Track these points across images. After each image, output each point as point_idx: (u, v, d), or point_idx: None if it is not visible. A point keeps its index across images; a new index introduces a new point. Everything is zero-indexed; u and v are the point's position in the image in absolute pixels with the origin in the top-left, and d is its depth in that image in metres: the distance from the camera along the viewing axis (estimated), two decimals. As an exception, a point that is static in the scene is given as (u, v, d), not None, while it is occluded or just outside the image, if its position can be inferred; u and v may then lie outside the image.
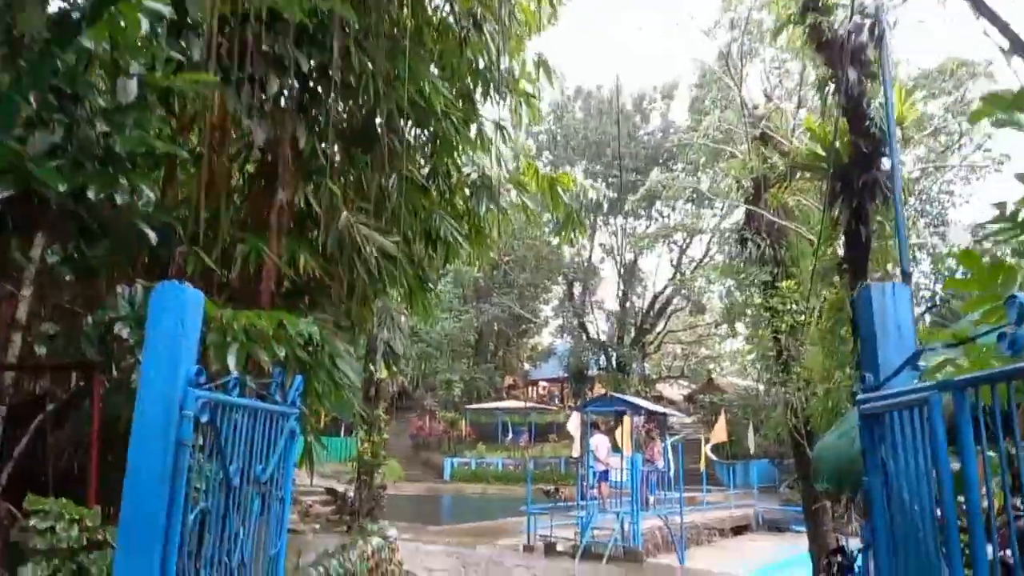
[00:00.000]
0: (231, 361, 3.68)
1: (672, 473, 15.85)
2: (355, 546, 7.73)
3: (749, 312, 14.24)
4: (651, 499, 14.17)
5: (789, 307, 11.34)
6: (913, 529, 2.51)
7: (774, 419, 14.30)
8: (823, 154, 9.36)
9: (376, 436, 13.27)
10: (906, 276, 7.49)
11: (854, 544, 10.20)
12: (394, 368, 13.48)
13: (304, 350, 4.26)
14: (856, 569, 6.51)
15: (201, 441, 3.13)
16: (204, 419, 2.98)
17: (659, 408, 16.22)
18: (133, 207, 4.12)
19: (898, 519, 2.67)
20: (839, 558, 6.29)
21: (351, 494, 13.58)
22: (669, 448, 16.12)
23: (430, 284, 6.42)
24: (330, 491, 16.13)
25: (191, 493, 2.99)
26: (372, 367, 14.10)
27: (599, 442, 14.36)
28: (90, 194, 3.81)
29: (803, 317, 11.27)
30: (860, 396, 2.99)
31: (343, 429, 28.91)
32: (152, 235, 4.21)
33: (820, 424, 11.05)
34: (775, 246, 13.58)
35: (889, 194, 8.14)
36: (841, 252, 10.09)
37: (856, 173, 8.55)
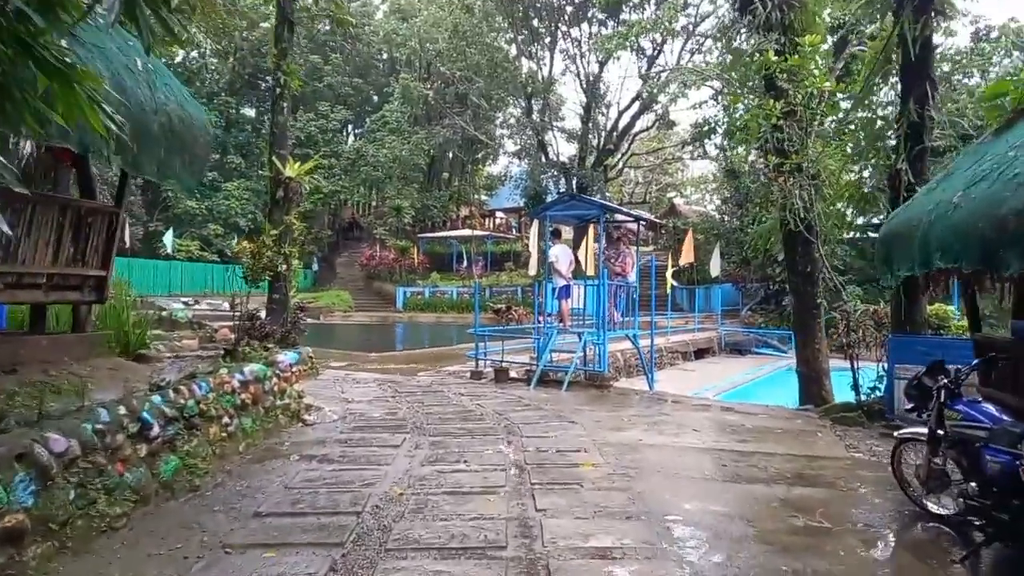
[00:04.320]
0: None
1: (638, 295, 13.86)
2: (213, 375, 5.39)
3: (751, 91, 11.54)
4: (616, 315, 12.11)
5: (809, 70, 8.68)
6: None
7: (766, 225, 12.08)
8: None
9: (287, 247, 10.74)
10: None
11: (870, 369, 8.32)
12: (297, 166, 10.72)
13: None
14: (959, 392, 4.47)
15: None
16: None
17: (630, 212, 13.68)
18: None
19: None
20: (942, 379, 4.20)
21: (263, 315, 11.33)
22: (639, 270, 14.01)
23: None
24: (251, 317, 13.91)
25: None
26: (276, 161, 11.29)
27: (560, 253, 11.99)
28: None
29: (828, 84, 8.67)
30: None
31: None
32: None
33: (833, 215, 8.90)
34: (783, 8, 10.81)
35: None
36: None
37: None
